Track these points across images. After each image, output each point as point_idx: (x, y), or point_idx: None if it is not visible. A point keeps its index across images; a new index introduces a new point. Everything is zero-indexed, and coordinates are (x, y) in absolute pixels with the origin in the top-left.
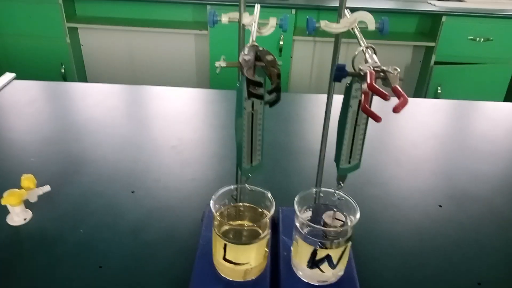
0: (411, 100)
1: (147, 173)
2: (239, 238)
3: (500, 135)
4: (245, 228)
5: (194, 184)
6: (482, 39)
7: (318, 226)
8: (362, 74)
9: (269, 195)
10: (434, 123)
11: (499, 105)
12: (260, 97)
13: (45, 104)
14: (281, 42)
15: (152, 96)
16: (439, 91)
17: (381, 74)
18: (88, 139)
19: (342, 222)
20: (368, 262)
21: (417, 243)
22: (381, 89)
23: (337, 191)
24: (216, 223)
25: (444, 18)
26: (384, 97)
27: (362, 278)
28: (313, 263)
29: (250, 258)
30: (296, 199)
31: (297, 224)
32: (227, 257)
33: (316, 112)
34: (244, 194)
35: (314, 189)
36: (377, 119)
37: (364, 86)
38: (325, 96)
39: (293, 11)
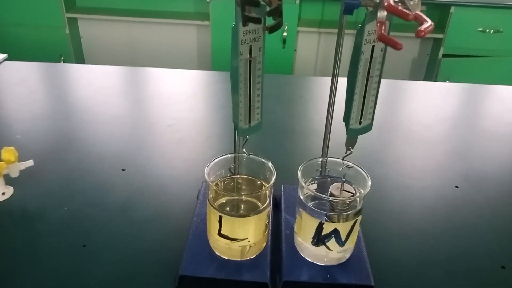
0: (422, 84)
1: (140, 151)
2: (236, 211)
3: None
4: (243, 200)
5: (190, 163)
6: (492, 31)
7: (325, 196)
8: (378, 1)
9: (270, 164)
10: (446, 106)
11: None
12: (258, 20)
13: (36, 83)
14: (284, 34)
15: (149, 77)
16: None
17: (399, 4)
18: (79, 118)
19: (351, 194)
20: (378, 243)
21: (431, 224)
22: (402, 9)
23: (345, 160)
24: (211, 195)
25: (452, 9)
26: (406, 17)
27: (372, 259)
28: (319, 239)
29: (248, 233)
30: (300, 168)
31: (301, 197)
32: (223, 231)
33: (320, 94)
34: (242, 166)
35: (320, 159)
36: (397, 45)
37: (380, 14)
38: (329, 79)
39: (297, 1)
